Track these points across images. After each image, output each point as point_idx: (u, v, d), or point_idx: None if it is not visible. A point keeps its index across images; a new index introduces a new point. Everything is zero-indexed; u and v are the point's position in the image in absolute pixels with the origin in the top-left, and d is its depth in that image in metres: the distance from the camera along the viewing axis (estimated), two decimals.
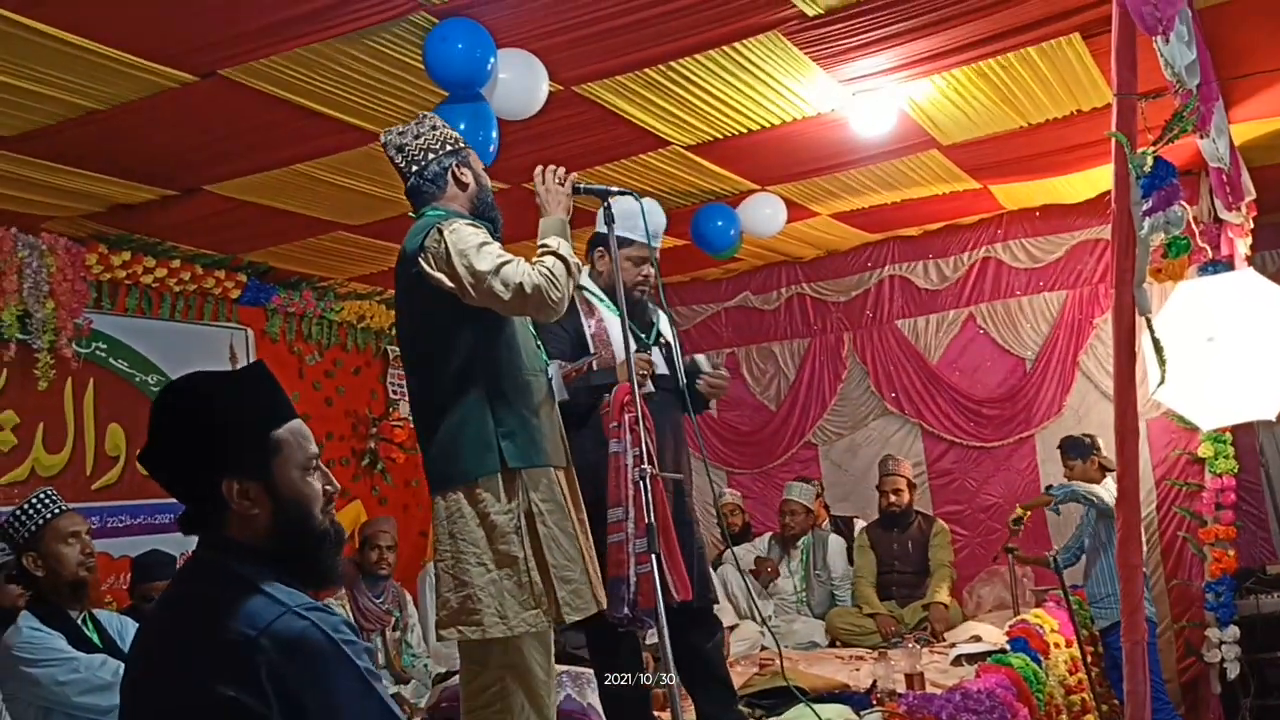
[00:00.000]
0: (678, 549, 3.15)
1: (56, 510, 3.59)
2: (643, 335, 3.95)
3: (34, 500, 3.62)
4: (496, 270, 2.92)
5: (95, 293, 5.55)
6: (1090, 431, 6.16)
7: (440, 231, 2.99)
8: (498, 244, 3.02)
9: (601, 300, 3.94)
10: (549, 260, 3.02)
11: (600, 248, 3.98)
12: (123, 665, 2.10)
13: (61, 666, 3.39)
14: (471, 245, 2.95)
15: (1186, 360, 5.15)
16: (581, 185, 3.34)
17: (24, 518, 3.56)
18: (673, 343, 4.06)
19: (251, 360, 6.34)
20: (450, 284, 2.95)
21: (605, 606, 3.16)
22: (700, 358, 4.09)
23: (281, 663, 1.67)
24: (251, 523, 1.85)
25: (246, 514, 1.84)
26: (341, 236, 5.89)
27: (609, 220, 3.28)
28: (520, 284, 2.91)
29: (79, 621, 3.57)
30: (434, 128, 3.20)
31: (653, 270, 3.91)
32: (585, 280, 3.94)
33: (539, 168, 3.27)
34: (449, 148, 3.19)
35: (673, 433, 3.96)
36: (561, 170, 3.28)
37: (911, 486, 6.65)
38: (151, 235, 5.59)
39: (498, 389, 3.04)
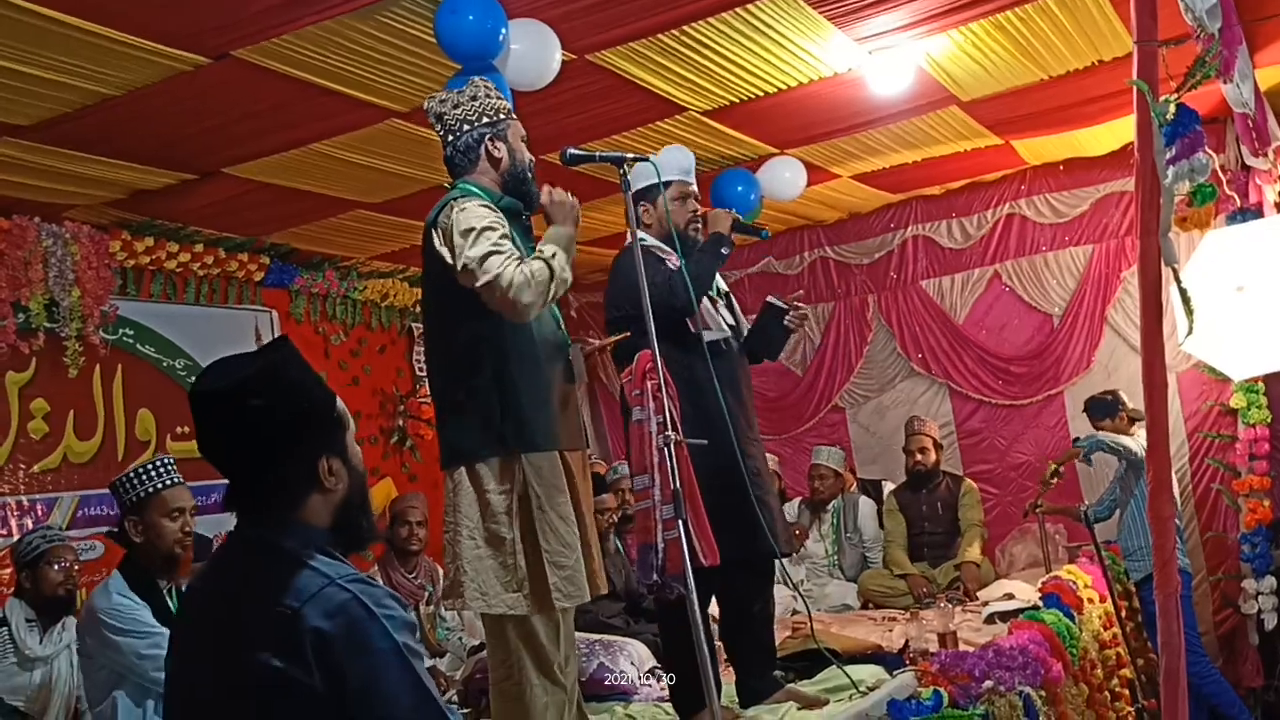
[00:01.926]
0: (704, 513, 3.13)
1: (168, 482, 3.58)
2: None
3: (150, 467, 3.60)
4: (483, 258, 2.89)
5: (120, 279, 5.59)
6: (1118, 386, 6.11)
7: (452, 207, 2.98)
8: (502, 235, 2.96)
9: (665, 252, 3.88)
10: (536, 265, 2.94)
11: (645, 203, 3.91)
12: None
13: (145, 639, 3.39)
14: (471, 227, 2.93)
15: (1216, 310, 5.10)
16: (597, 154, 3.31)
17: (136, 482, 3.56)
18: (730, 294, 4.09)
19: None
20: (450, 261, 2.95)
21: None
22: (772, 298, 4.09)
23: (325, 634, 1.70)
24: (331, 499, 1.89)
25: (331, 490, 1.88)
26: (362, 215, 5.89)
27: (626, 188, 3.25)
28: (497, 276, 2.87)
29: (165, 593, 3.59)
30: (473, 98, 3.16)
31: (698, 204, 3.90)
32: (650, 239, 3.88)
33: (546, 187, 3.19)
34: (485, 119, 3.15)
35: (746, 386, 3.94)
36: (572, 198, 3.19)
37: (938, 446, 6.62)
38: (173, 220, 5.61)
39: (505, 369, 3.03)
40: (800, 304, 4.08)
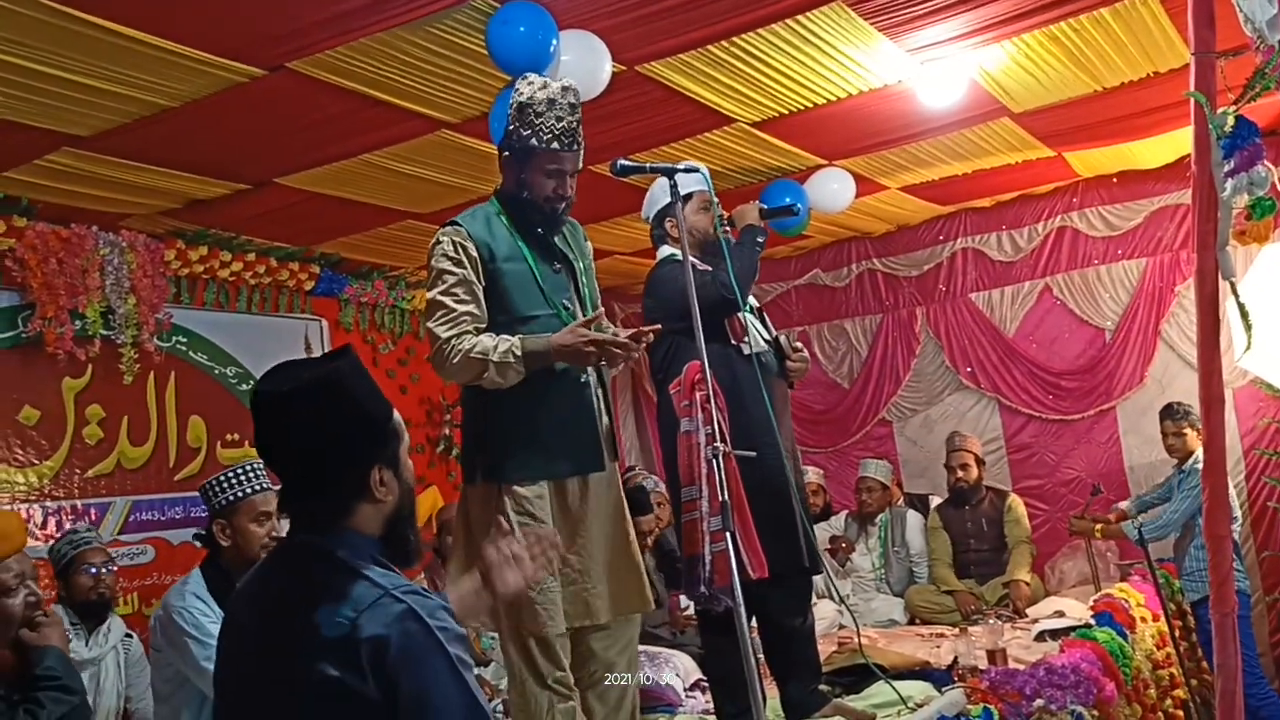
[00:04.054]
0: (753, 526, 3.12)
1: (258, 487, 3.59)
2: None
3: (240, 471, 3.61)
4: (431, 305, 3.01)
5: (174, 288, 5.67)
6: (1172, 401, 6.01)
7: (439, 233, 3.10)
8: (458, 282, 3.01)
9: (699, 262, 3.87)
10: (484, 341, 2.95)
11: (668, 218, 3.91)
12: None
13: (206, 649, 3.36)
14: (432, 267, 3.05)
15: (1275, 325, 5.01)
16: (648, 165, 3.31)
17: (225, 486, 3.57)
18: (763, 310, 4.09)
19: (327, 349, 6.44)
20: None
21: (576, 624, 3.08)
22: (781, 337, 4.06)
23: (379, 643, 1.73)
24: (381, 509, 1.91)
25: (381, 500, 1.90)
26: (411, 225, 5.94)
27: (675, 196, 3.25)
28: (431, 330, 3.00)
29: None
30: (511, 102, 3.11)
31: (721, 209, 3.92)
32: (673, 251, 3.88)
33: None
34: (511, 139, 3.12)
35: (783, 401, 3.92)
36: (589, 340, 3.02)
37: (980, 462, 6.54)
38: (226, 230, 5.69)
39: (487, 401, 3.04)
40: (804, 354, 4.03)
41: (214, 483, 3.61)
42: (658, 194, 3.93)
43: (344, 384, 1.90)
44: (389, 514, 1.93)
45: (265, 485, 3.61)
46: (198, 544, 3.76)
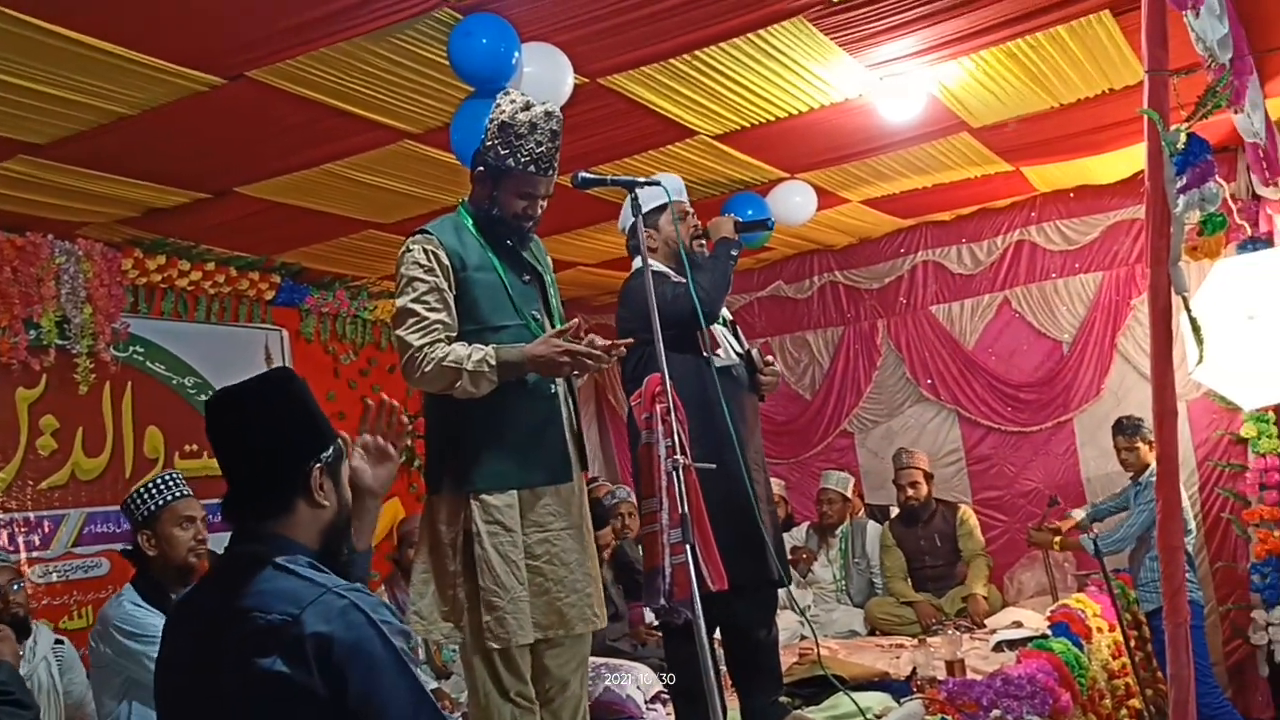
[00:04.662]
0: (712, 539, 3.13)
1: (179, 494, 3.64)
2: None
3: (159, 481, 3.66)
4: (402, 313, 3.01)
5: (132, 297, 5.61)
6: (1128, 414, 6.07)
7: (409, 241, 3.10)
8: (429, 290, 3.01)
9: (674, 274, 3.88)
10: (457, 349, 2.95)
11: (648, 229, 3.88)
12: None
13: (156, 646, 3.40)
14: (403, 275, 3.05)
15: (1227, 339, 5.09)
16: (609, 178, 3.32)
17: (146, 496, 3.61)
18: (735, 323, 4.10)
19: (286, 361, 6.40)
20: None
21: (548, 634, 3.06)
22: (753, 350, 4.08)
23: (324, 638, 1.75)
24: (317, 517, 1.97)
25: (318, 505, 1.96)
26: (373, 235, 5.91)
27: (636, 210, 3.27)
28: (401, 338, 2.99)
29: None
30: (492, 117, 3.07)
31: (697, 221, 3.91)
32: (656, 264, 3.88)
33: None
34: (488, 156, 3.08)
35: (754, 414, 3.93)
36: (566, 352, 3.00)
37: (929, 477, 6.58)
38: (185, 239, 5.64)
39: (456, 409, 3.03)
40: (776, 368, 4.06)
41: (134, 496, 3.65)
42: (645, 198, 3.91)
43: (293, 387, 2.03)
44: (325, 525, 1.98)
45: (186, 492, 3.66)
46: (128, 559, 3.75)
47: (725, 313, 4.03)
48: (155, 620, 3.45)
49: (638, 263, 3.95)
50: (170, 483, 3.66)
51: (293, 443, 1.97)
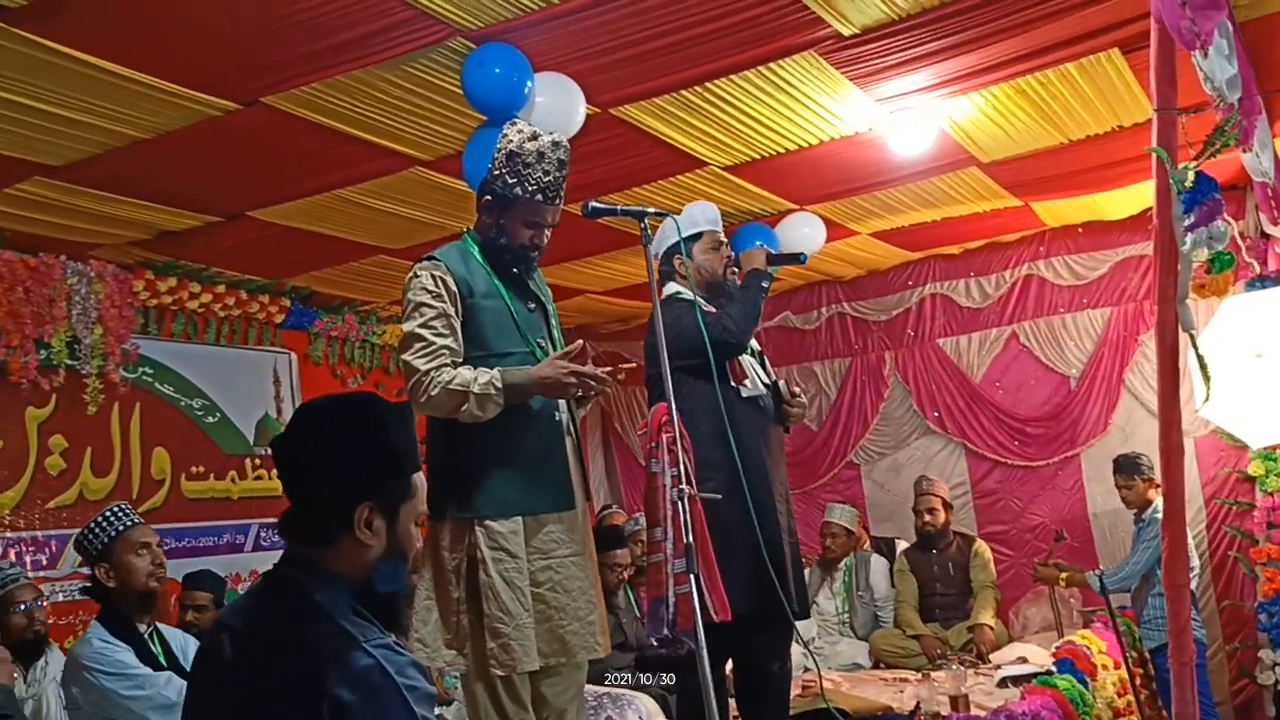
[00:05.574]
0: (716, 569, 3.12)
1: (129, 523, 3.65)
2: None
3: (108, 514, 3.67)
4: (409, 338, 3.02)
5: (142, 318, 5.64)
6: (1135, 450, 6.06)
7: (416, 267, 3.10)
8: (436, 316, 3.02)
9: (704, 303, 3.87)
10: (463, 373, 2.96)
11: (677, 256, 3.93)
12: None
13: (128, 681, 3.41)
14: (409, 301, 3.06)
15: (1235, 377, 5.08)
16: (619, 207, 3.33)
17: (98, 530, 3.62)
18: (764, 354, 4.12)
19: (293, 384, 6.42)
20: None
21: (551, 661, 3.05)
22: (780, 382, 4.08)
23: (343, 697, 1.71)
24: (362, 554, 1.89)
25: (362, 545, 1.88)
26: (383, 260, 5.94)
27: (646, 240, 3.28)
28: (407, 360, 2.99)
29: (146, 636, 3.61)
30: (500, 146, 3.09)
31: (731, 251, 3.94)
32: (678, 289, 3.92)
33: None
34: (495, 184, 3.10)
35: (779, 445, 3.93)
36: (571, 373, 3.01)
37: (948, 506, 6.58)
38: (197, 261, 5.67)
39: (461, 435, 3.03)
40: (801, 399, 4.06)
41: (86, 531, 3.65)
42: (668, 231, 3.96)
43: (371, 415, 1.93)
44: (370, 562, 1.89)
45: (137, 520, 3.70)
46: (89, 597, 3.75)
47: (754, 343, 4.04)
48: (123, 655, 3.47)
49: (669, 288, 3.97)
50: (120, 513, 3.68)
51: (345, 477, 1.88)
